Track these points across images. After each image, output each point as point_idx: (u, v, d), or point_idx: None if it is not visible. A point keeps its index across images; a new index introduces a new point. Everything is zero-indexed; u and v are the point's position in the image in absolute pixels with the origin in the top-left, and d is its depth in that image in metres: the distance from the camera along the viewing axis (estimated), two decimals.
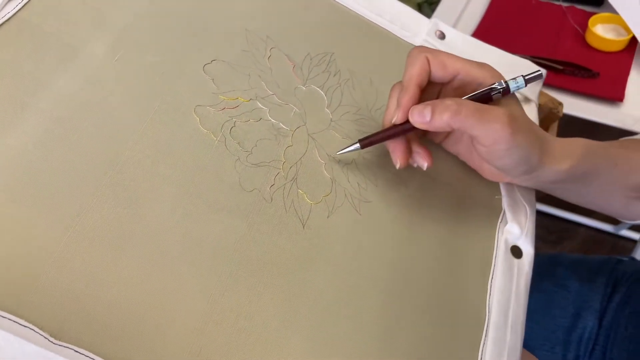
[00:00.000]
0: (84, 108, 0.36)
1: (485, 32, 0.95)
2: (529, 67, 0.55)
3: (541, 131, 0.41)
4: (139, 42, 0.40)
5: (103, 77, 0.37)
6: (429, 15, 0.56)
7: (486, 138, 0.37)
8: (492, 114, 0.36)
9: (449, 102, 0.36)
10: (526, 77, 0.38)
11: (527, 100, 0.53)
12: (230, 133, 0.39)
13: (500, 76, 0.39)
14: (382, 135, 0.39)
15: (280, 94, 0.42)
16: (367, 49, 0.49)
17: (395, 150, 0.39)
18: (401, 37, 0.51)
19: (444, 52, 0.39)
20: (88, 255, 0.31)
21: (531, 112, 0.53)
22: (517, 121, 0.37)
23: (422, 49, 0.39)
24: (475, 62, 0.39)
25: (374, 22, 0.51)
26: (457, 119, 0.36)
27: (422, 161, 0.40)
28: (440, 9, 0.98)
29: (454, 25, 0.95)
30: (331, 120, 0.43)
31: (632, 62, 0.89)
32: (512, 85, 0.38)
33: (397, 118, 0.38)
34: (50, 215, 0.32)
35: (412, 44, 0.52)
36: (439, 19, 0.53)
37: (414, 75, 0.38)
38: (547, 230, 1.35)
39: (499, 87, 0.38)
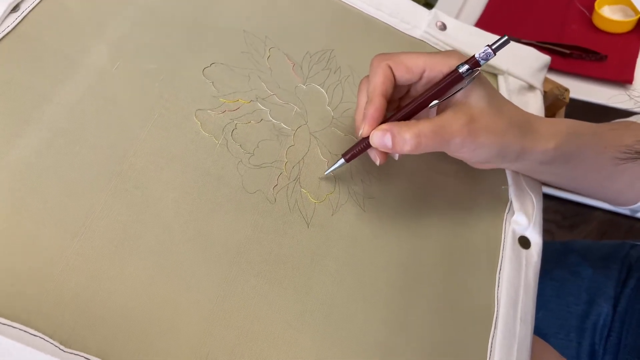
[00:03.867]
0: (85, 118, 0.36)
1: (490, 18, 0.93)
2: (532, 54, 0.54)
3: (522, 115, 0.40)
4: (137, 50, 0.40)
5: (103, 87, 0.37)
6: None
7: (451, 151, 0.38)
8: (449, 130, 0.36)
9: (407, 137, 0.35)
10: (493, 47, 0.36)
11: (532, 88, 0.52)
12: (232, 135, 0.39)
13: (465, 59, 0.37)
14: (363, 146, 0.38)
15: (281, 94, 0.42)
16: (367, 43, 0.49)
17: (372, 149, 0.38)
18: (401, 30, 0.51)
19: (405, 54, 0.38)
20: (94, 263, 0.32)
21: (536, 100, 0.52)
22: (476, 122, 0.37)
23: (382, 57, 0.38)
24: (441, 52, 0.38)
25: (374, 16, 0.51)
26: (418, 151, 0.36)
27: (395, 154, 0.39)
28: None
29: (458, 12, 0.93)
30: (333, 118, 0.43)
31: None
32: (481, 58, 0.36)
33: (363, 131, 0.37)
34: (57, 226, 0.32)
35: (412, 37, 0.51)
36: (443, 6, 0.52)
37: (377, 85, 0.37)
38: (562, 215, 1.33)
39: (461, 71, 0.36)
